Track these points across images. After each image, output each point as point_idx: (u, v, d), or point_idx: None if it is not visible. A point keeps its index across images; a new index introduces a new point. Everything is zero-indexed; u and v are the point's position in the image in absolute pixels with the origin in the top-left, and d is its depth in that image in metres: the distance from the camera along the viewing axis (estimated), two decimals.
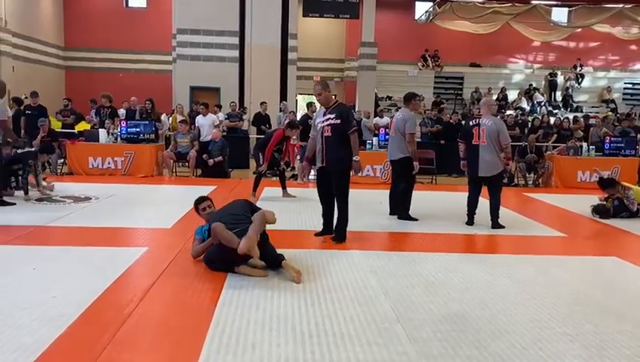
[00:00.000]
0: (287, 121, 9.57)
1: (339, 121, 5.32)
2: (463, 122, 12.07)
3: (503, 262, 5.03)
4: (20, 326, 3.18)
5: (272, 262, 4.34)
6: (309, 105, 11.58)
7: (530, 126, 13.88)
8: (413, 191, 6.90)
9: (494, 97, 20.47)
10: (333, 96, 5.72)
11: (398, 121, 6.82)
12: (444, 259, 5.06)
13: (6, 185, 7.24)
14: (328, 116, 5.38)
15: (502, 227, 6.42)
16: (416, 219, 6.73)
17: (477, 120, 6.55)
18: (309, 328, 3.30)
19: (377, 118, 14.14)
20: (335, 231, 5.52)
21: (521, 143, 11.45)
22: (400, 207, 6.84)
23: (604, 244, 6.24)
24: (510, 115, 15.71)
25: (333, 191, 5.45)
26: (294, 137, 8.75)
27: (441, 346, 3.11)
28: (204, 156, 10.39)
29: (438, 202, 7.36)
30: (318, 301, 3.78)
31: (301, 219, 6.68)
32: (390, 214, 6.98)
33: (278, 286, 4.05)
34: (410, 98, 6.96)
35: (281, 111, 13.67)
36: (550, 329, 3.42)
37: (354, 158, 5.35)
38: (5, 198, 6.90)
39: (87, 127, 12.09)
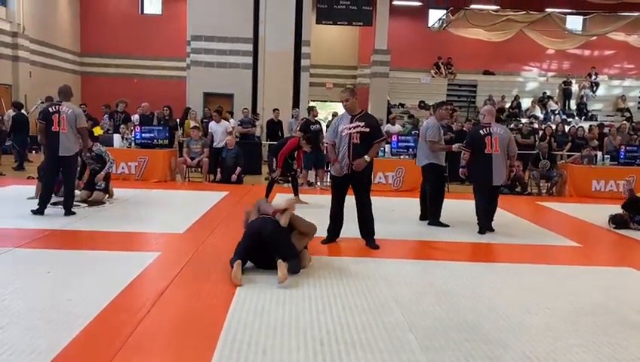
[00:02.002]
0: (298, 128, 9.56)
1: (368, 130, 5.47)
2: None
3: (517, 272, 5.00)
4: (34, 328, 3.22)
5: (285, 253, 4.45)
6: (310, 109, 11.52)
7: (541, 135, 13.86)
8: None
9: (507, 105, 20.42)
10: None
11: (423, 128, 7.08)
12: (457, 267, 5.04)
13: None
14: (357, 123, 5.48)
15: (492, 230, 6.60)
16: (447, 226, 6.84)
17: (487, 129, 6.49)
18: (321, 335, 3.30)
19: (389, 125, 14.11)
20: (368, 236, 5.66)
21: (534, 151, 11.36)
22: (429, 213, 7.00)
23: (620, 255, 6.17)
24: (525, 123, 15.61)
25: (357, 196, 5.63)
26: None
27: (454, 355, 3.09)
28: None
29: (450, 210, 7.32)
30: (329, 308, 3.78)
31: None
32: (420, 219, 7.22)
33: (290, 293, 4.05)
34: (437, 106, 7.23)
35: (293, 117, 13.70)
36: (564, 339, 3.38)
37: (365, 156, 5.42)
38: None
39: (101, 131, 12.22)
